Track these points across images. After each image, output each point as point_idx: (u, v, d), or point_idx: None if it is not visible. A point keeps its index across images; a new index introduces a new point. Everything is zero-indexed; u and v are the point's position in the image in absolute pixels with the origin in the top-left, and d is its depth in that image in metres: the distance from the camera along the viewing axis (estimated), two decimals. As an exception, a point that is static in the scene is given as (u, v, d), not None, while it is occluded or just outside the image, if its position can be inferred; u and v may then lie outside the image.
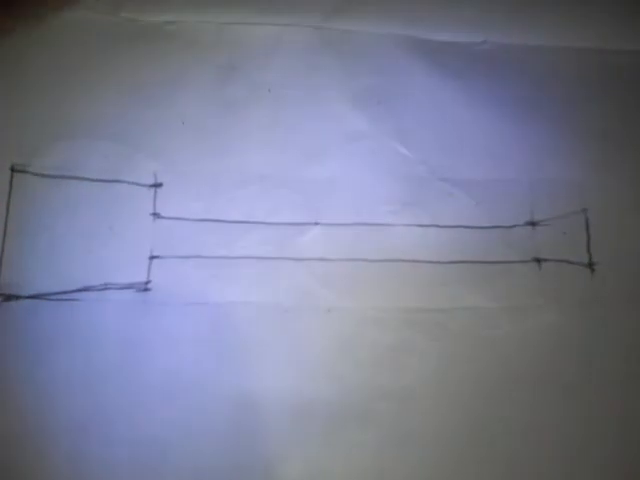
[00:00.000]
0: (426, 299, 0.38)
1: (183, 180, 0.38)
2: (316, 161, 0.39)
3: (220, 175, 0.39)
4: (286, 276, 0.37)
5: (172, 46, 0.40)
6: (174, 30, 0.41)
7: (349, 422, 0.36)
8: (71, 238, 0.37)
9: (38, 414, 0.34)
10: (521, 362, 0.37)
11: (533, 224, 0.40)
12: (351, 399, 0.36)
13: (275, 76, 0.40)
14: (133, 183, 0.38)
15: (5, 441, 0.34)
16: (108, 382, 0.35)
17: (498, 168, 0.40)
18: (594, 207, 0.40)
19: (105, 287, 0.36)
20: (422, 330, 0.37)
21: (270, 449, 0.35)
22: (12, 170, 0.37)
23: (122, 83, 0.39)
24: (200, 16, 0.41)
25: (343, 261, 0.38)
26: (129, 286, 0.36)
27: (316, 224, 0.39)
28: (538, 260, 0.39)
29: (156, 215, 0.38)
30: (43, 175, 0.37)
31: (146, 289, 0.37)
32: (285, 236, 0.38)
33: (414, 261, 0.38)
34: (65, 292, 0.36)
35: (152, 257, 0.37)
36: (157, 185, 0.38)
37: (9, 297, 0.36)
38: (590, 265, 0.39)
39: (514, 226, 0.39)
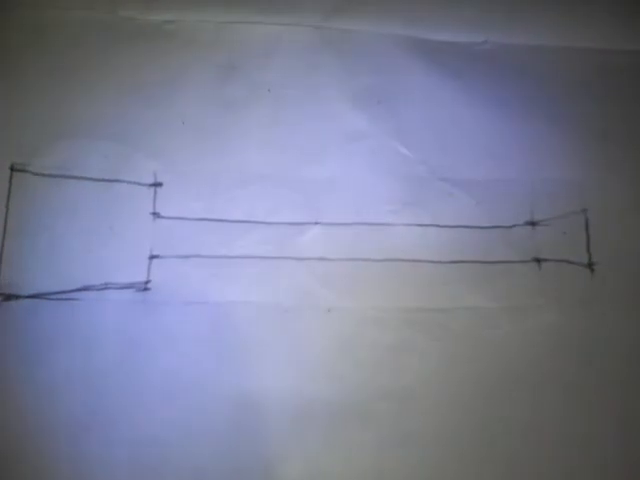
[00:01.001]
0: (426, 299, 0.38)
1: (183, 180, 0.38)
2: (316, 160, 0.39)
3: (220, 174, 0.39)
4: (286, 276, 0.37)
5: (171, 45, 0.40)
6: (173, 29, 0.41)
7: (349, 422, 0.36)
8: (71, 237, 0.37)
9: (38, 413, 0.34)
10: (521, 362, 0.37)
11: (533, 224, 0.40)
12: (351, 399, 0.36)
13: (275, 75, 0.40)
14: (133, 183, 0.38)
15: (4, 440, 0.34)
16: (108, 381, 0.35)
17: (498, 168, 0.40)
18: (594, 207, 0.40)
19: (105, 287, 0.36)
20: (422, 330, 0.37)
21: (270, 449, 0.35)
22: (12, 169, 0.37)
23: (121, 83, 0.39)
24: (199, 15, 0.41)
25: (343, 261, 0.38)
26: (129, 286, 0.36)
27: (316, 224, 0.38)
28: (538, 260, 0.39)
29: (156, 215, 0.38)
30: (43, 174, 0.37)
31: (146, 289, 0.37)
32: (285, 236, 0.38)
33: (414, 261, 0.38)
34: (65, 292, 0.36)
35: (152, 257, 0.37)
36: (157, 185, 0.38)
37: (9, 297, 0.36)
38: (590, 265, 0.39)
39: (514, 226, 0.39)
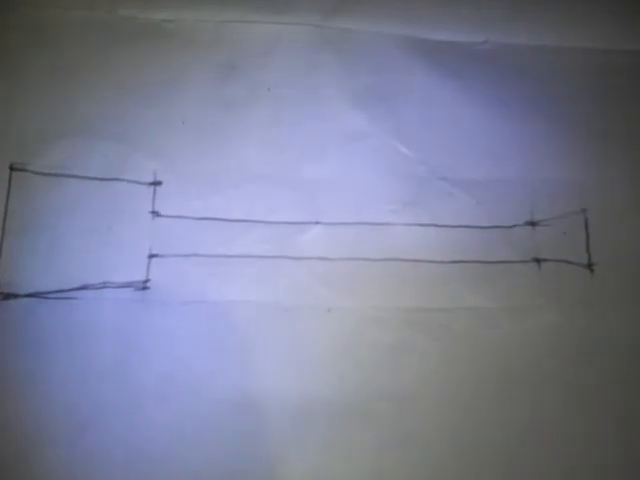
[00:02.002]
0: (426, 299, 0.38)
1: (182, 178, 0.38)
2: (316, 160, 0.39)
3: (220, 173, 0.39)
4: (286, 275, 0.37)
5: (171, 45, 0.40)
6: (173, 29, 0.41)
7: (349, 422, 0.35)
8: (70, 237, 0.37)
9: (36, 412, 0.34)
10: (521, 362, 0.37)
11: (533, 224, 0.40)
12: (351, 399, 0.36)
13: (275, 75, 0.40)
14: (132, 181, 0.38)
15: (2, 440, 0.34)
16: (106, 380, 0.35)
17: (498, 168, 0.40)
18: (594, 207, 0.40)
19: (104, 286, 0.36)
20: (422, 330, 0.37)
21: (270, 449, 0.35)
22: (11, 169, 0.37)
23: (121, 82, 0.39)
24: (199, 14, 0.41)
25: (343, 260, 0.38)
26: (128, 285, 0.36)
27: (316, 223, 0.38)
28: (538, 260, 0.39)
29: (155, 213, 0.38)
30: (42, 174, 0.37)
31: (145, 288, 0.36)
32: (285, 235, 0.38)
33: (414, 261, 0.38)
34: (63, 291, 0.36)
35: (151, 256, 0.37)
36: (156, 183, 0.38)
37: (7, 296, 0.35)
38: (589, 265, 0.39)
39: (514, 226, 0.39)
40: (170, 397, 0.35)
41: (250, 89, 0.40)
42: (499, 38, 0.41)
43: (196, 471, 0.34)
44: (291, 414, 0.35)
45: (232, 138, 0.39)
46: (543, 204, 0.40)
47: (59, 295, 0.36)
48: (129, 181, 0.38)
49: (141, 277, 0.36)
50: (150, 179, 0.38)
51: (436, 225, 0.39)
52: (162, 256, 0.37)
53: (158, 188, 0.38)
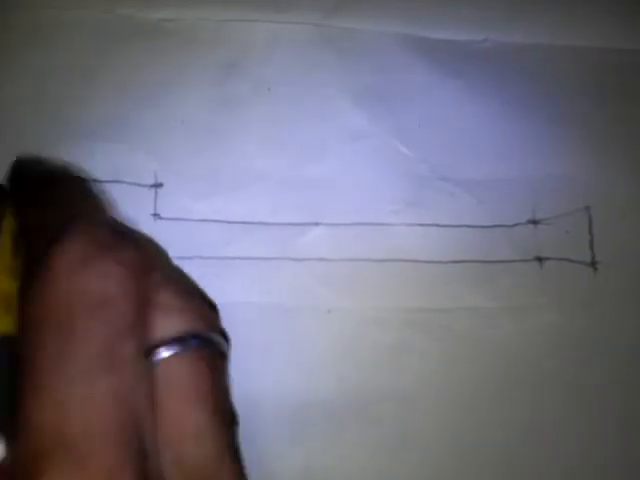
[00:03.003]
0: (427, 299, 0.38)
1: (183, 180, 0.38)
2: (316, 160, 0.39)
3: (220, 174, 0.39)
4: (287, 276, 0.38)
5: (170, 44, 0.40)
6: (172, 27, 0.40)
7: (349, 422, 0.36)
8: (72, 240, 0.37)
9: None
10: (522, 362, 0.37)
11: (535, 222, 0.39)
12: (351, 399, 0.36)
13: (275, 74, 0.40)
14: (133, 184, 0.38)
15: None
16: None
17: (500, 167, 0.40)
18: (597, 205, 0.39)
19: (106, 289, 0.36)
20: (423, 330, 0.37)
21: (269, 449, 0.35)
22: (14, 172, 0.37)
23: (120, 82, 0.39)
24: (198, 13, 0.40)
25: (344, 261, 0.38)
26: (130, 287, 0.37)
27: (317, 224, 0.38)
28: (540, 259, 0.39)
29: (156, 216, 0.38)
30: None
31: (147, 290, 0.37)
32: (286, 236, 0.38)
33: (415, 261, 0.38)
34: (67, 294, 0.36)
35: (153, 258, 0.37)
36: (157, 185, 0.38)
37: (11, 299, 0.36)
38: (593, 264, 0.39)
39: (516, 225, 0.39)
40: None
41: (250, 88, 0.40)
42: (499, 37, 0.41)
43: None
44: (291, 414, 0.36)
45: (232, 138, 0.39)
46: (545, 202, 0.39)
47: (63, 298, 0.36)
48: (130, 183, 0.38)
49: (143, 280, 0.37)
50: (151, 181, 0.38)
51: (437, 225, 0.39)
52: (164, 258, 0.37)
53: (159, 190, 0.38)
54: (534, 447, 0.36)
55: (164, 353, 0.23)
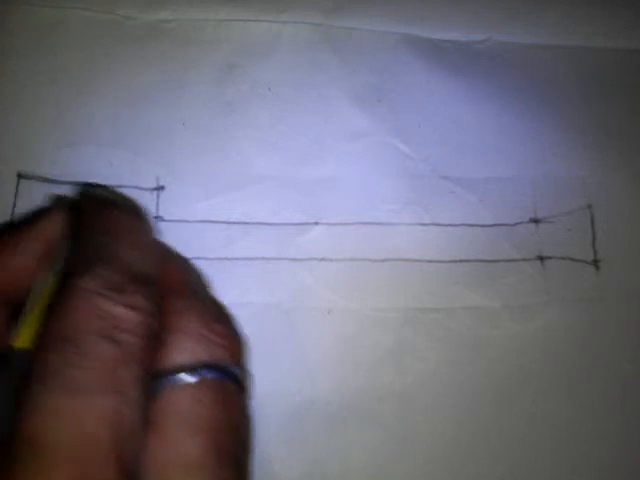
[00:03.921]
0: (428, 299, 0.38)
1: (184, 182, 0.38)
2: (317, 159, 0.39)
3: (221, 175, 0.39)
4: (287, 277, 0.38)
5: (170, 44, 0.40)
6: (172, 28, 0.40)
7: (349, 423, 0.36)
8: (76, 242, 0.37)
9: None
10: (524, 361, 0.37)
11: (537, 221, 0.39)
12: (351, 400, 0.36)
13: (275, 74, 0.40)
14: (135, 187, 0.38)
15: None
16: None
17: (501, 165, 0.39)
18: (599, 203, 0.39)
19: (109, 291, 0.37)
20: (424, 330, 0.37)
21: (269, 449, 0.35)
22: (19, 177, 0.38)
23: (121, 85, 0.39)
24: (199, 13, 0.40)
25: (344, 261, 0.38)
26: (133, 289, 0.37)
27: (316, 224, 0.39)
28: (541, 258, 0.39)
29: (159, 218, 0.38)
30: (49, 181, 0.38)
31: (150, 292, 0.37)
32: (286, 236, 0.38)
33: (416, 260, 0.38)
34: (71, 296, 0.37)
35: (155, 260, 0.37)
36: (159, 188, 0.38)
37: (16, 302, 0.36)
38: (595, 262, 0.39)
39: (518, 224, 0.39)
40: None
41: (250, 88, 0.40)
42: (500, 37, 0.40)
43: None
44: (291, 414, 0.36)
45: (233, 139, 0.39)
46: (547, 201, 0.39)
47: (67, 300, 0.37)
48: (132, 187, 0.38)
49: (145, 281, 0.37)
50: (153, 184, 0.38)
51: (438, 224, 0.39)
52: (165, 260, 0.37)
53: (161, 193, 0.38)
54: (534, 447, 0.36)
55: (173, 380, 0.23)
